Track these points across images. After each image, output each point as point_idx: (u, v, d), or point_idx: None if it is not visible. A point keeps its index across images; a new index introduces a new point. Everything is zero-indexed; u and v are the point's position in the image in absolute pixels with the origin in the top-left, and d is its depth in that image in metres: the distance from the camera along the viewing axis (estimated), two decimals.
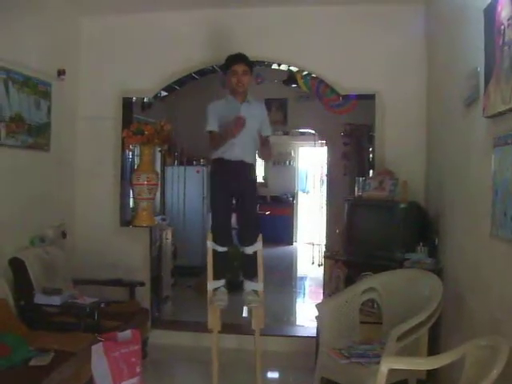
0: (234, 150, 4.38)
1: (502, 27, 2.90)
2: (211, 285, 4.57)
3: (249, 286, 4.60)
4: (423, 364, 3.34)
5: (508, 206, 2.86)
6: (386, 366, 3.02)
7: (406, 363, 3.23)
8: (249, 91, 4.52)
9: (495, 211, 3.08)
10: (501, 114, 2.99)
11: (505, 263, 2.97)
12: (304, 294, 9.16)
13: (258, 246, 4.60)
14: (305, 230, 13.95)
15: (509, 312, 2.86)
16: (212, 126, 4.46)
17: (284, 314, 7.41)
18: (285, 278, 9.88)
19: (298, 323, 7.11)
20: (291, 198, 14.36)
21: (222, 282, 4.59)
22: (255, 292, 4.58)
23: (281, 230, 13.43)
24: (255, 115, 4.47)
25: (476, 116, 3.50)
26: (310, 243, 12.05)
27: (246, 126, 4.20)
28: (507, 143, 2.90)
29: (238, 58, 4.45)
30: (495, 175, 3.10)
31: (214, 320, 4.56)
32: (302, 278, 10.26)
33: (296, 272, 11.26)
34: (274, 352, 5.47)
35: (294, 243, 13.94)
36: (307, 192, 14.62)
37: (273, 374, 5.33)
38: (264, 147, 4.59)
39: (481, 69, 3.38)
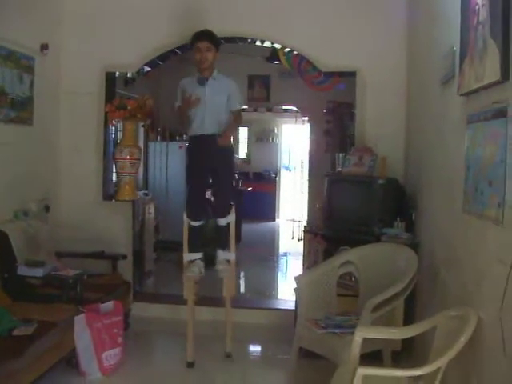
0: (205, 125, 4.57)
1: (477, 7, 2.97)
2: (187, 257, 4.78)
3: (221, 255, 4.80)
4: (395, 333, 3.46)
5: (479, 181, 2.94)
6: (360, 335, 3.13)
7: (379, 332, 3.35)
8: (223, 66, 4.71)
9: (467, 187, 3.17)
10: (474, 91, 3.07)
11: (475, 237, 3.06)
12: (286, 268, 9.27)
13: (230, 218, 4.81)
14: (287, 207, 14.07)
15: (478, 284, 2.95)
16: (180, 101, 4.67)
17: (265, 288, 7.56)
18: (267, 254, 10.02)
19: (279, 297, 7.22)
20: (274, 175, 14.44)
21: (199, 254, 4.77)
22: (227, 261, 4.81)
23: (263, 206, 13.62)
24: (221, 90, 4.63)
25: (452, 94, 3.57)
26: (292, 220, 12.16)
27: (211, 101, 4.54)
28: (479, 120, 2.98)
29: (202, 35, 4.61)
30: (468, 151, 3.18)
31: (188, 290, 4.77)
32: (284, 254, 10.39)
33: (278, 247, 11.39)
34: (255, 324, 5.67)
35: (277, 219, 14.08)
36: (290, 169, 14.71)
37: (253, 347, 5.46)
38: (231, 124, 4.75)
39: (457, 47, 3.45)
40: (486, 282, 2.84)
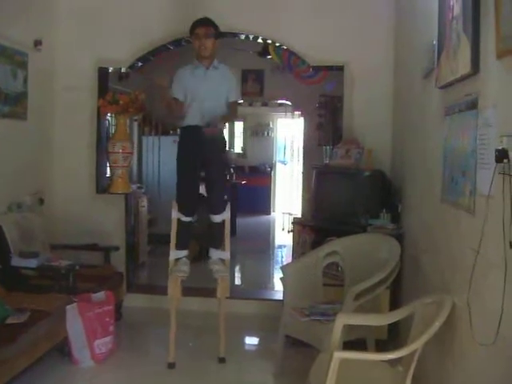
0: (201, 117, 4.42)
1: (452, 2, 3.06)
2: (173, 254, 4.63)
3: (215, 254, 4.69)
4: (374, 320, 3.56)
5: (454, 171, 3.05)
6: (341, 321, 3.23)
7: (359, 318, 3.45)
8: (218, 57, 4.61)
9: (445, 177, 3.27)
10: (450, 84, 3.17)
11: (451, 226, 3.16)
12: (281, 261, 9.35)
13: (225, 215, 4.66)
14: (282, 200, 14.14)
15: (454, 271, 3.06)
16: (176, 93, 4.51)
17: (260, 279, 7.68)
18: (262, 246, 10.14)
19: (272, 288, 7.29)
20: (269, 169, 14.52)
21: (185, 252, 4.66)
22: (222, 261, 4.67)
23: (259, 200, 13.70)
24: (222, 80, 4.52)
25: (431, 87, 3.66)
26: (286, 213, 12.24)
27: (210, 92, 4.44)
28: (455, 112, 3.09)
29: (201, 22, 4.48)
30: (445, 143, 3.29)
31: (173, 289, 4.59)
32: (279, 247, 10.49)
33: (273, 240, 11.48)
34: (248, 314, 5.74)
35: (272, 213, 14.14)
36: (285, 163, 14.79)
37: (245, 336, 5.52)
38: (228, 115, 4.60)
39: (436, 42, 3.55)
40: (459, 270, 2.94)
